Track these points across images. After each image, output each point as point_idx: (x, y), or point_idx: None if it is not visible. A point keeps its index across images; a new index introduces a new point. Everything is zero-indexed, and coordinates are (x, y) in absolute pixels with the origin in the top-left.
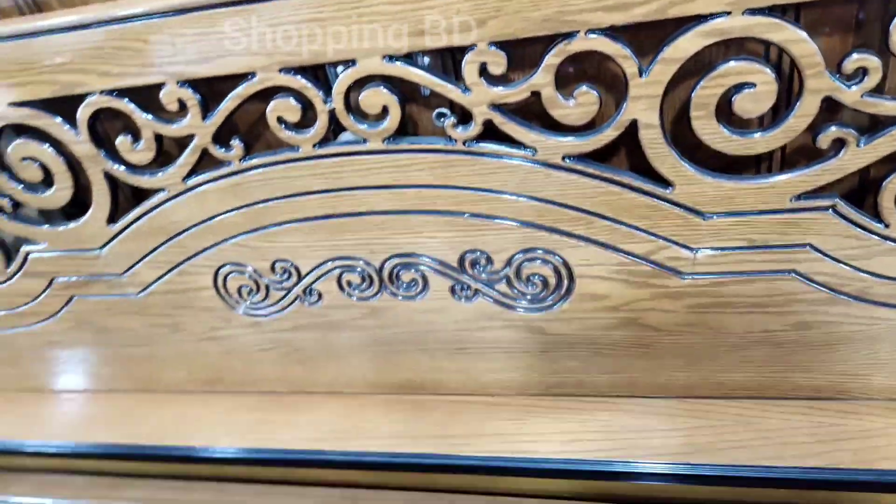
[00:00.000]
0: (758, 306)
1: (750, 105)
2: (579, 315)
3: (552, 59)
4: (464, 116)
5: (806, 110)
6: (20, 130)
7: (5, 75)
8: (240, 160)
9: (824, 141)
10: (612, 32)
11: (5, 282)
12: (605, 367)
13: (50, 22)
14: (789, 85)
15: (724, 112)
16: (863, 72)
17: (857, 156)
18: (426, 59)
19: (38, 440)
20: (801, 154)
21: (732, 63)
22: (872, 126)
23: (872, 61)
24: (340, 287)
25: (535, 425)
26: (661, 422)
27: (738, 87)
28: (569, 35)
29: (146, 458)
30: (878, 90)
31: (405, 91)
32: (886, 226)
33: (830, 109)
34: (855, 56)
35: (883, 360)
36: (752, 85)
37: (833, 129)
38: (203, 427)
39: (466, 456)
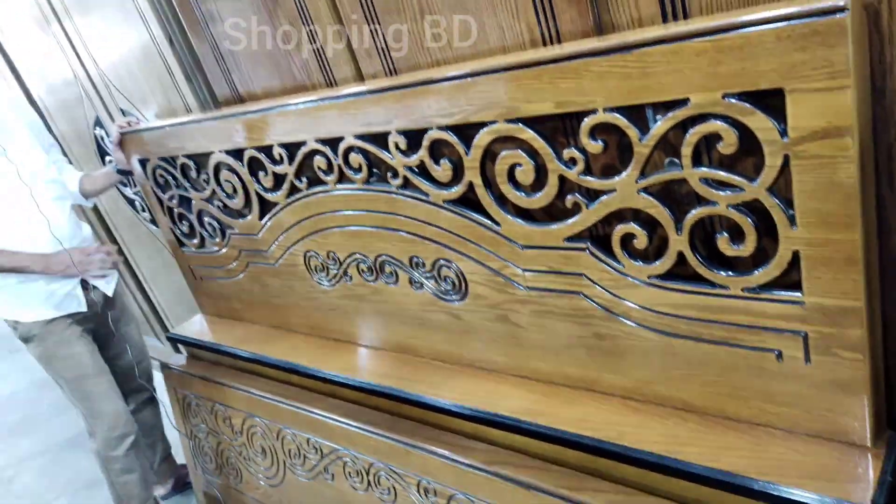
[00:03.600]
0: (568, 316)
1: (522, 177)
2: (475, 309)
3: (425, 142)
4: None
5: (552, 182)
6: (224, 166)
7: (213, 139)
8: (307, 189)
9: (569, 203)
10: (447, 129)
11: (221, 249)
12: (498, 351)
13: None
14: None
15: (514, 180)
16: (574, 160)
17: (590, 214)
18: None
19: (231, 346)
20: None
21: (508, 152)
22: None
23: (579, 154)
24: (359, 272)
25: (453, 382)
26: (523, 393)
27: (515, 166)
28: (428, 129)
29: (267, 364)
30: (588, 171)
31: (370, 156)
32: (622, 265)
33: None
34: (566, 150)
35: (658, 372)
36: (521, 165)
37: (570, 196)
38: (300, 353)
39: (412, 393)
